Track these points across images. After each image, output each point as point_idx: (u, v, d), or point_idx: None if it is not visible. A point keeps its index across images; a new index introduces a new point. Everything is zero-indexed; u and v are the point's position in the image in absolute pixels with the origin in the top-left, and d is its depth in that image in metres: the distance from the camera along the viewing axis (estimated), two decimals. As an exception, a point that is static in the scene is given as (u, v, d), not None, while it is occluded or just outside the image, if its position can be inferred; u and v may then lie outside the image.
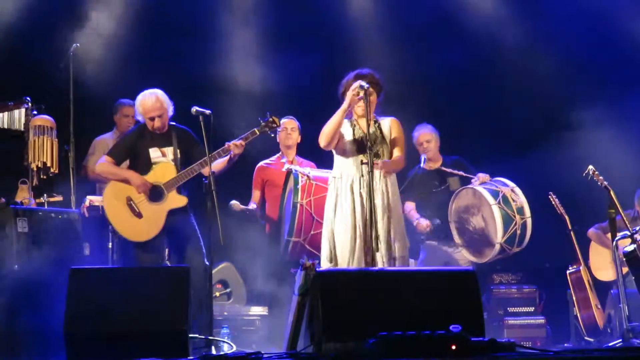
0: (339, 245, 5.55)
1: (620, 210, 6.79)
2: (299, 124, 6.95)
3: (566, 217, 7.70)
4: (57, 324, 4.61)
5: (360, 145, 5.64)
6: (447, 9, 8.43)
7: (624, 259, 6.65)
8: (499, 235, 6.53)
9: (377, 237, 5.32)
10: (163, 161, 6.04)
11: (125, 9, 7.97)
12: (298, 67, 8.01)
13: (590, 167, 6.87)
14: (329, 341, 4.10)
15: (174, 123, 6.15)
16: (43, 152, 6.18)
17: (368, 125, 5.53)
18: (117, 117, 7.22)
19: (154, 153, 6.05)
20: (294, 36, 8.31)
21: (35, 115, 6.31)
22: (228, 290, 7.52)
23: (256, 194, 6.94)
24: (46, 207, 6.13)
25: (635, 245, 6.54)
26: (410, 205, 7.05)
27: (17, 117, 6.35)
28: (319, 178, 6.18)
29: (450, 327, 3.88)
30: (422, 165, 7.05)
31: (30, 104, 6.35)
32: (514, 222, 6.57)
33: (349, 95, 5.57)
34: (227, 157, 5.99)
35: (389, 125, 5.76)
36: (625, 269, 6.77)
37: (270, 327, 6.79)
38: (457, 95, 8.49)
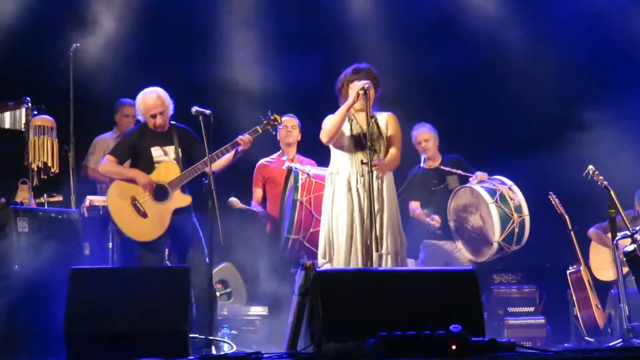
0: (335, 243, 5.55)
1: (621, 210, 6.79)
2: (299, 122, 6.95)
3: (566, 217, 7.70)
4: (57, 324, 4.60)
5: (358, 141, 5.64)
6: (446, 9, 8.43)
7: (624, 259, 6.65)
8: (496, 234, 6.53)
9: (377, 238, 5.32)
10: (165, 160, 6.04)
11: (126, 9, 7.97)
12: (298, 67, 8.01)
13: (590, 167, 6.87)
14: (329, 341, 4.10)
15: (174, 122, 6.15)
16: (43, 152, 6.18)
17: (368, 125, 5.53)
18: (118, 117, 7.23)
19: (156, 152, 6.05)
20: (294, 36, 8.31)
21: (35, 115, 6.31)
22: (228, 290, 7.52)
23: (257, 192, 6.94)
24: (46, 207, 6.12)
25: (635, 245, 6.54)
26: (415, 205, 7.05)
27: (17, 117, 6.35)
28: (319, 176, 6.18)
29: (451, 327, 3.88)
30: (422, 164, 7.04)
31: (30, 104, 6.35)
32: (512, 221, 6.57)
33: (353, 93, 5.55)
34: (233, 153, 6.00)
35: (385, 120, 5.75)
36: (625, 269, 6.77)
37: (271, 327, 6.78)
38: (457, 94, 8.49)
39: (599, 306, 7.56)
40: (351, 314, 4.22)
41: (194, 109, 5.88)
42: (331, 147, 5.76)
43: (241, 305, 7.42)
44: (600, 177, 6.81)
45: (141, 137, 6.08)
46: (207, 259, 5.83)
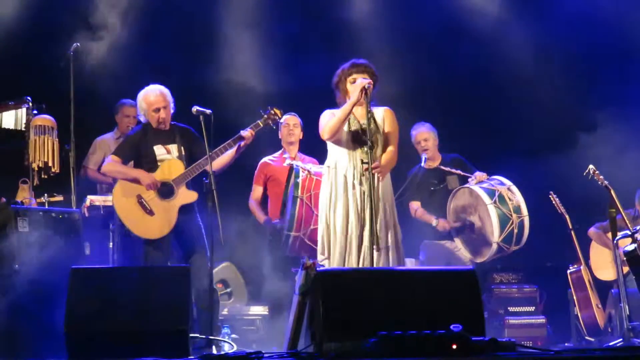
0: (333, 240, 5.54)
1: (621, 210, 6.79)
2: (301, 121, 6.95)
3: (567, 217, 7.70)
4: (57, 323, 4.61)
5: (355, 136, 5.62)
6: (449, 11, 8.43)
7: (625, 259, 6.64)
8: (495, 235, 6.53)
9: (376, 235, 5.32)
10: (169, 158, 6.04)
11: (128, 9, 7.96)
12: (300, 67, 8.01)
13: (591, 166, 6.87)
14: (329, 341, 4.10)
15: (175, 122, 6.15)
16: (44, 151, 6.18)
17: (369, 124, 5.52)
18: (118, 117, 7.23)
19: (159, 150, 6.06)
20: (296, 37, 8.31)
21: (36, 114, 6.31)
22: (229, 290, 7.52)
23: (257, 190, 6.93)
24: (47, 206, 6.13)
25: (635, 245, 6.53)
26: (415, 205, 7.05)
27: (18, 117, 6.36)
28: (320, 173, 6.18)
29: (451, 327, 3.88)
30: (422, 164, 7.04)
31: (30, 104, 6.35)
32: (511, 221, 6.57)
33: (353, 91, 5.53)
34: (235, 148, 6.01)
35: (382, 115, 5.73)
36: (625, 269, 6.77)
37: (271, 327, 6.79)
38: (459, 95, 8.49)
39: (600, 306, 7.55)
40: (352, 314, 4.22)
41: (195, 108, 5.89)
42: (329, 142, 5.75)
43: (242, 305, 7.43)
44: (601, 177, 6.81)
45: (144, 136, 6.08)
46: (208, 261, 5.83)
